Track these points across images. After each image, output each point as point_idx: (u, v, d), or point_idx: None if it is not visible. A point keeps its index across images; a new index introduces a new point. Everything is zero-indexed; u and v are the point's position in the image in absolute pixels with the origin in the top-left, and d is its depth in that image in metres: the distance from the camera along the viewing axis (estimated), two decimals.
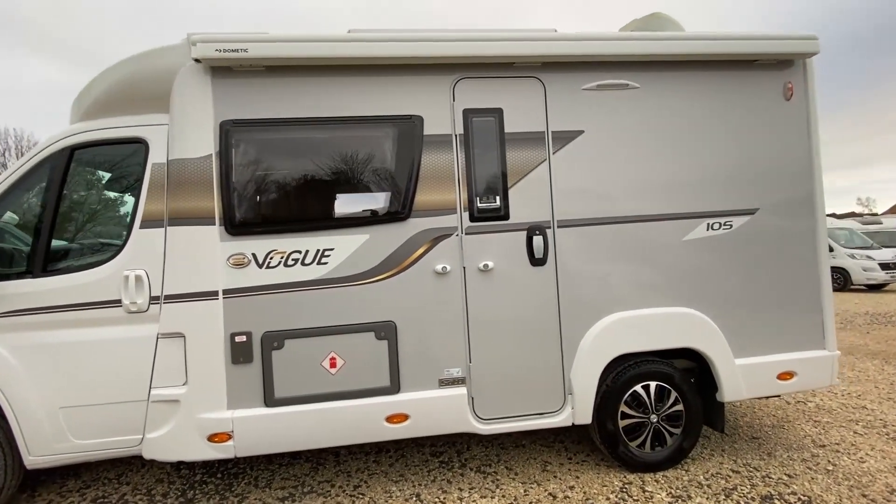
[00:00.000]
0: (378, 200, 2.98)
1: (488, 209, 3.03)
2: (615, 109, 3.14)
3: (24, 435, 2.75)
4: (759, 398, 3.59)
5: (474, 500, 2.96)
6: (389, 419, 2.90)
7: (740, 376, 3.17)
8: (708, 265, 3.18)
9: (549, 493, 3.00)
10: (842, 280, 13.51)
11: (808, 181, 3.30)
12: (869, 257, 13.44)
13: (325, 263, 2.89)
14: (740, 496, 2.91)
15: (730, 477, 3.13)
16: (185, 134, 2.84)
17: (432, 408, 2.95)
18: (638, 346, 3.13)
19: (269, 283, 2.84)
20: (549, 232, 3.07)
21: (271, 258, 2.85)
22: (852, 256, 13.56)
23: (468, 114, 3.03)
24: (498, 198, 3.04)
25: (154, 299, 2.81)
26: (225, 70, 2.84)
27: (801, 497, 2.89)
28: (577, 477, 3.19)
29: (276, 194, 2.93)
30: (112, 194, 3.15)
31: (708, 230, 3.19)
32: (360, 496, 3.06)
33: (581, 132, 3.11)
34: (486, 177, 3.04)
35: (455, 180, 3.01)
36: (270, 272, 2.84)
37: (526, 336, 3.05)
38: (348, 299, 2.90)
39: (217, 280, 2.80)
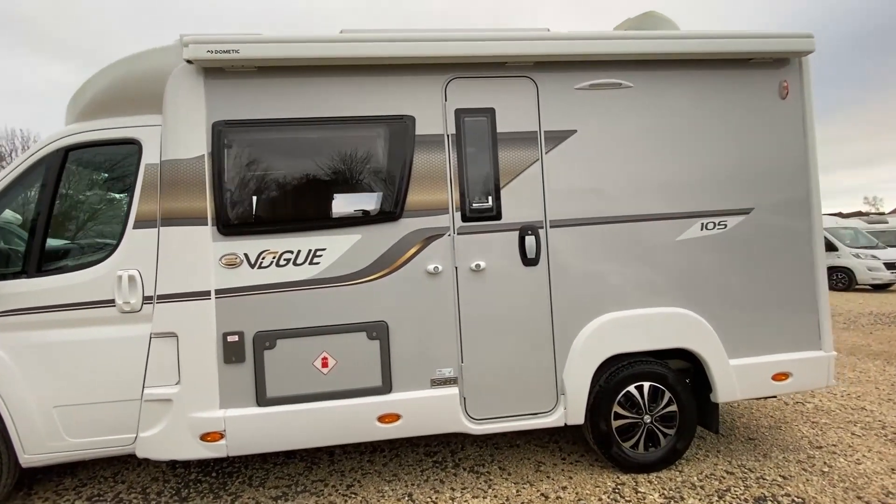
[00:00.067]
0: (370, 200, 2.98)
1: (480, 209, 3.03)
2: (608, 109, 3.13)
3: (19, 433, 2.78)
4: (754, 399, 3.57)
5: (466, 500, 2.96)
6: (381, 419, 2.90)
7: (734, 377, 3.15)
8: (702, 265, 3.17)
9: (542, 494, 3.00)
10: (846, 280, 13.35)
11: (804, 180, 3.27)
12: (874, 257, 13.25)
13: (317, 263, 2.90)
14: (733, 497, 2.89)
15: (724, 478, 3.12)
16: (178, 134, 2.85)
17: (424, 408, 2.95)
18: (631, 346, 3.12)
19: (261, 283, 2.85)
20: (541, 232, 3.06)
21: (263, 258, 2.86)
22: (857, 256, 13.36)
23: (460, 114, 3.03)
24: (490, 198, 3.04)
25: (147, 299, 2.83)
26: (217, 71, 2.85)
27: (796, 499, 2.87)
28: (570, 477, 3.18)
29: (269, 195, 2.95)
30: (106, 195, 3.17)
31: (702, 230, 3.17)
32: (353, 495, 3.06)
33: (574, 132, 3.10)
34: (479, 177, 3.04)
35: (447, 180, 3.00)
36: (262, 272, 2.85)
37: (518, 336, 3.04)
38: (340, 299, 2.90)
39: (209, 280, 2.81)
